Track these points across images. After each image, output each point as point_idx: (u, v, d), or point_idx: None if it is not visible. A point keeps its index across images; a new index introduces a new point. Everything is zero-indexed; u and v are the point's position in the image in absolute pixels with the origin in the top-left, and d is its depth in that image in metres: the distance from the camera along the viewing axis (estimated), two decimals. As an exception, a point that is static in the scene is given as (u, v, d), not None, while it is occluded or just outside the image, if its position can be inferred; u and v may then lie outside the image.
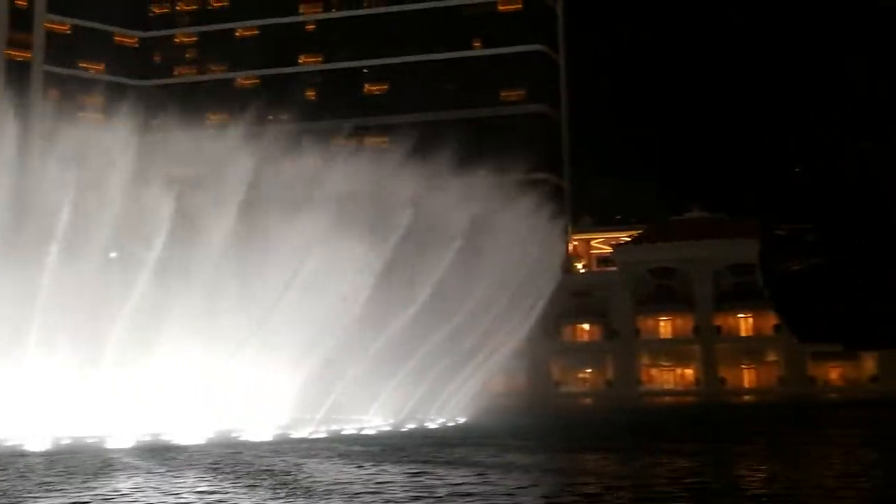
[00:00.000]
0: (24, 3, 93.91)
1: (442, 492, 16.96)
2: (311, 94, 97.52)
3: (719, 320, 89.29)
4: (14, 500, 16.50)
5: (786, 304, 67.51)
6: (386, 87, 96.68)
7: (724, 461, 24.41)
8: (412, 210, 35.77)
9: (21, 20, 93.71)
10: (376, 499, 16.25)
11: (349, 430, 34.33)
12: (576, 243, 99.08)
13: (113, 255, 35.90)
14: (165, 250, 30.72)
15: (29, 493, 17.44)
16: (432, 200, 37.40)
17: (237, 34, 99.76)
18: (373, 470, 21.07)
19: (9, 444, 27.27)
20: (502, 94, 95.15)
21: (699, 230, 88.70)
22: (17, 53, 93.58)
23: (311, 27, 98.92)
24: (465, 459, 23.36)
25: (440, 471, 20.56)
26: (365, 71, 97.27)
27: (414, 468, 21.20)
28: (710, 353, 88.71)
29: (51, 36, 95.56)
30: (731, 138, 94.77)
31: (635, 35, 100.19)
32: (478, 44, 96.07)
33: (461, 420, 40.21)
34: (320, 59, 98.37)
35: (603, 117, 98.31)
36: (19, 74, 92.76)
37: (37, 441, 27.37)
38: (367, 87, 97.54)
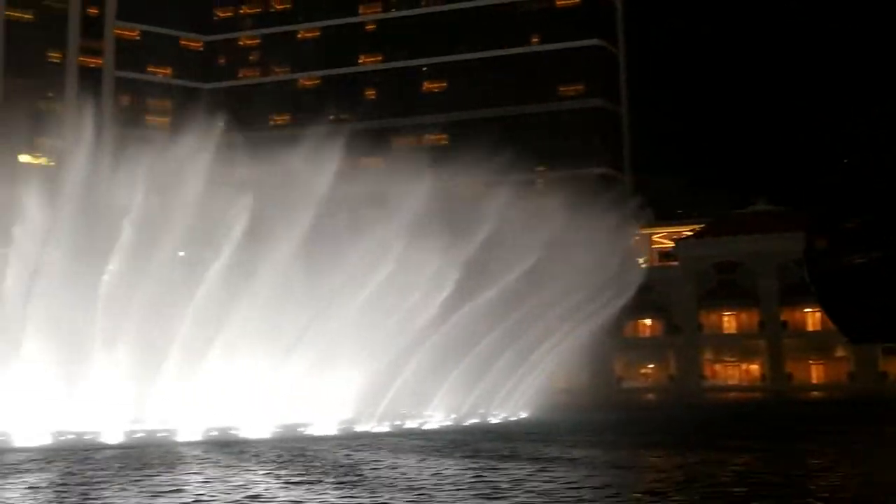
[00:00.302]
0: (96, 11, 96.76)
1: (506, 486, 17.19)
2: (370, 93, 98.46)
3: (785, 315, 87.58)
4: (94, 489, 17.25)
5: (835, 301, 65.25)
6: (444, 84, 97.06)
7: (791, 459, 24.12)
8: (490, 222, 36.08)
9: (92, 28, 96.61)
10: (442, 494, 16.55)
11: (411, 424, 34.74)
12: (637, 238, 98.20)
13: (181, 253, 36.97)
14: (237, 252, 31.52)
15: (107, 482, 18.21)
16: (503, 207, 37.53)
17: (299, 36, 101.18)
18: (436, 464, 21.38)
19: (86, 436, 28.39)
20: (560, 89, 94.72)
21: (764, 223, 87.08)
22: (89, 60, 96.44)
23: (370, 27, 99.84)
24: (528, 454, 23.54)
25: (503, 465, 20.78)
26: (424, 69, 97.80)
27: (477, 462, 21.46)
28: (777, 349, 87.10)
29: (120, 42, 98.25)
30: (792, 130, 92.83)
31: (694, 27, 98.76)
32: (536, 39, 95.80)
33: (523, 415, 40.36)
34: (380, 58, 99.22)
35: (663, 110, 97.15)
36: (92, 80, 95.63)
37: (111, 434, 28.44)
38: (425, 85, 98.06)
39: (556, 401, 43.91)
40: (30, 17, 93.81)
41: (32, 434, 27.59)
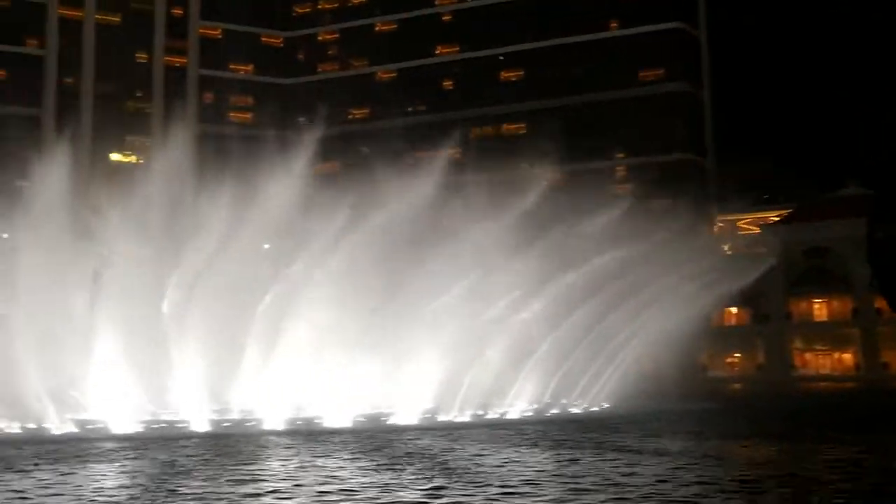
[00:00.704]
0: (180, 12, 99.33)
1: (591, 477, 16.98)
2: (447, 84, 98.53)
3: (880, 302, 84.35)
4: (186, 476, 17.72)
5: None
6: (522, 73, 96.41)
7: (889, 450, 23.22)
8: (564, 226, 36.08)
9: (177, 28, 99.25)
10: (526, 486, 16.45)
11: (492, 414, 34.69)
12: (721, 224, 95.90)
13: (266, 246, 37.74)
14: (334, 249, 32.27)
15: (199, 469, 18.69)
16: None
17: (376, 29, 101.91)
18: (518, 454, 21.28)
19: (178, 424, 29.26)
20: (640, 74, 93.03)
21: (855, 207, 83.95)
22: (174, 60, 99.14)
23: (447, 17, 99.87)
24: (613, 444, 23.23)
25: (588, 456, 20.55)
26: (500, 58, 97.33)
27: (562, 453, 21.28)
28: (871, 337, 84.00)
29: (203, 41, 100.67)
30: (882, 111, 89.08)
31: (779, 6, 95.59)
32: (614, 24, 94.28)
33: (606, 405, 39.89)
34: (457, 48, 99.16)
35: (748, 93, 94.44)
36: (177, 79, 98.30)
37: (200, 422, 29.24)
38: (503, 74, 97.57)
39: (639, 390, 43.24)
40: (117, 20, 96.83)
41: (126, 422, 28.59)
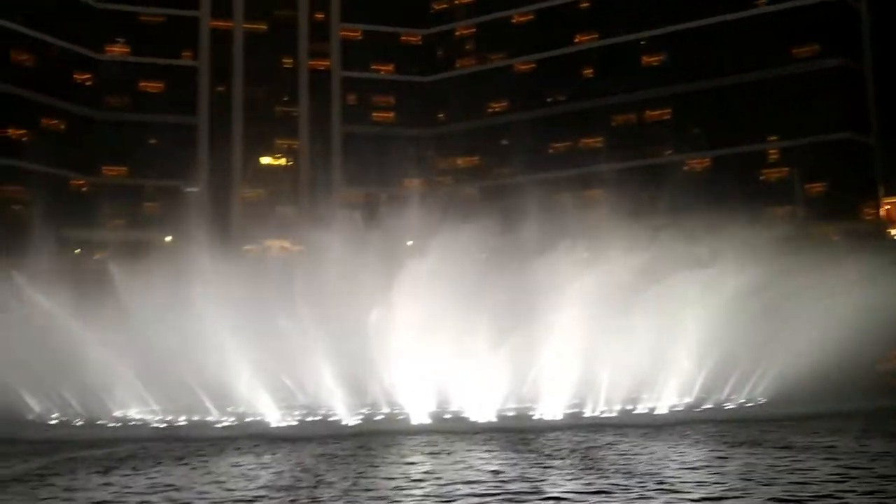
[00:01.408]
0: (322, 16, 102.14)
1: (757, 476, 15.96)
2: (588, 72, 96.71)
3: None
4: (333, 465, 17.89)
5: None
6: (665, 57, 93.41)
7: None
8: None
9: (319, 32, 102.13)
10: (681, 483, 15.64)
11: (641, 409, 33.60)
12: (888, 207, 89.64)
13: (409, 242, 38.21)
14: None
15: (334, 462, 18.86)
16: None
17: (514, 21, 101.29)
18: (669, 450, 20.36)
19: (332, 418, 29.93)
20: (794, 50, 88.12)
21: None
22: (318, 63, 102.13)
23: (585, 5, 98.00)
24: (774, 442, 21.88)
25: (740, 452, 19.42)
26: (642, 43, 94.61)
27: (718, 450, 20.22)
28: None
29: (345, 43, 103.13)
30: None
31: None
32: (762, 0, 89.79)
33: (762, 400, 37.88)
34: (596, 36, 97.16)
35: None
36: (321, 82, 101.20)
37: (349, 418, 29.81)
38: (645, 59, 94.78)
39: (799, 385, 40.87)
40: (264, 28, 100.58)
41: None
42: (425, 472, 17.57)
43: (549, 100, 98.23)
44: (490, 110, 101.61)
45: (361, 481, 16.62)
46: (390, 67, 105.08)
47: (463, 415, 30.71)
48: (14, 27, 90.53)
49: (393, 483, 16.35)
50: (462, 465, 18.52)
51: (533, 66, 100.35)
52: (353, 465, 18.89)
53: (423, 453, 21.05)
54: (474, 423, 29.29)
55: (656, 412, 33.15)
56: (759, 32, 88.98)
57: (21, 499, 16.03)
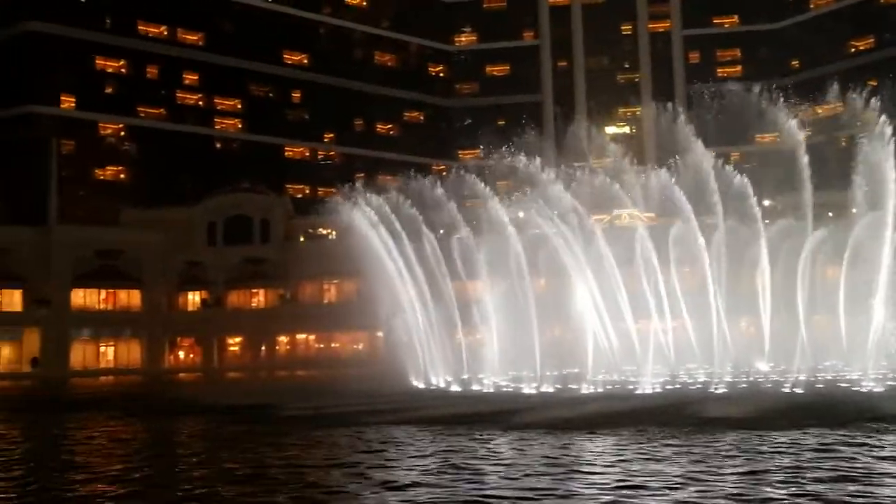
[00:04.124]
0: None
1: None
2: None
3: None
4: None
5: None
6: None
7: None
8: None
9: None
10: None
11: None
12: None
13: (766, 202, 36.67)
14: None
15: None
16: None
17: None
18: None
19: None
20: None
21: None
22: (657, 25, 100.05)
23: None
24: None
25: None
26: None
27: None
28: None
29: (685, 1, 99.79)
30: None
31: None
32: None
33: None
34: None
35: None
36: (661, 44, 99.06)
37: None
38: None
39: None
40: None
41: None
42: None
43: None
44: (853, 49, 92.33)
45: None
46: (734, 19, 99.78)
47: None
48: (379, 32, 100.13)
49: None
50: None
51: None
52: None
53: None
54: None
55: None
56: None
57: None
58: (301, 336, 78.41)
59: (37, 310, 70.20)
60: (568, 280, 34.89)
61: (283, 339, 78.07)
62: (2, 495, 14.01)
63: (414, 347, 37.41)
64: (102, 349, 75.13)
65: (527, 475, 14.17)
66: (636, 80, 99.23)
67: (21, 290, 71.25)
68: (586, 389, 30.33)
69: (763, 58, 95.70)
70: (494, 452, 16.90)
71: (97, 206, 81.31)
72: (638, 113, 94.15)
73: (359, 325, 69.36)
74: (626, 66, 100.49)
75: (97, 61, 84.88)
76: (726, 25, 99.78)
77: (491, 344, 36.84)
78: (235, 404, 29.83)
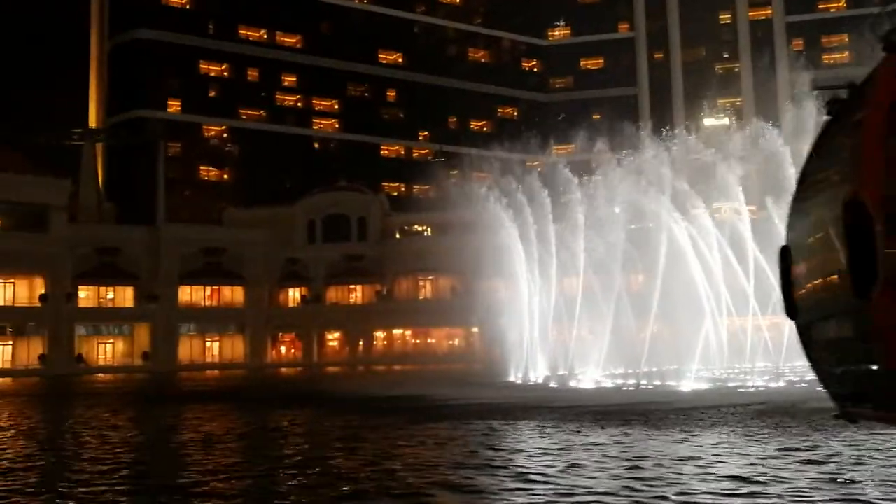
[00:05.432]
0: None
1: None
2: None
3: None
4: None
5: None
6: None
7: None
8: None
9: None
10: None
11: None
12: None
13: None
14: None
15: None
16: None
17: None
18: None
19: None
20: None
21: None
22: (758, 12, 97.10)
23: None
24: None
25: None
26: None
27: None
28: None
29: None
30: None
31: None
32: None
33: None
34: None
35: None
36: (762, 32, 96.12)
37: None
38: None
39: None
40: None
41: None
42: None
43: None
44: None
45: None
46: (841, 3, 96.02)
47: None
48: (472, 28, 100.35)
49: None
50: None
51: None
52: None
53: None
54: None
55: None
56: None
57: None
58: (398, 331, 79.45)
59: (147, 306, 73.21)
60: (668, 275, 34.27)
61: (379, 334, 79.22)
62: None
63: (519, 343, 37.48)
64: (208, 344, 77.75)
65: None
66: (735, 69, 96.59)
67: (133, 287, 74.34)
68: (686, 387, 29.75)
69: (873, 44, 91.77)
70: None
71: (202, 205, 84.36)
72: (738, 103, 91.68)
73: (455, 320, 69.90)
74: (725, 55, 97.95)
75: (201, 66, 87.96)
76: (832, 10, 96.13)
77: (593, 339, 36.61)
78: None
